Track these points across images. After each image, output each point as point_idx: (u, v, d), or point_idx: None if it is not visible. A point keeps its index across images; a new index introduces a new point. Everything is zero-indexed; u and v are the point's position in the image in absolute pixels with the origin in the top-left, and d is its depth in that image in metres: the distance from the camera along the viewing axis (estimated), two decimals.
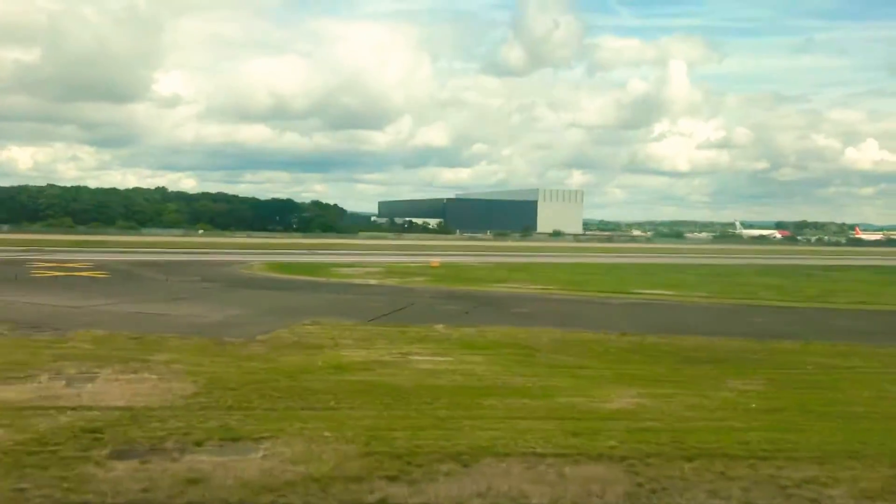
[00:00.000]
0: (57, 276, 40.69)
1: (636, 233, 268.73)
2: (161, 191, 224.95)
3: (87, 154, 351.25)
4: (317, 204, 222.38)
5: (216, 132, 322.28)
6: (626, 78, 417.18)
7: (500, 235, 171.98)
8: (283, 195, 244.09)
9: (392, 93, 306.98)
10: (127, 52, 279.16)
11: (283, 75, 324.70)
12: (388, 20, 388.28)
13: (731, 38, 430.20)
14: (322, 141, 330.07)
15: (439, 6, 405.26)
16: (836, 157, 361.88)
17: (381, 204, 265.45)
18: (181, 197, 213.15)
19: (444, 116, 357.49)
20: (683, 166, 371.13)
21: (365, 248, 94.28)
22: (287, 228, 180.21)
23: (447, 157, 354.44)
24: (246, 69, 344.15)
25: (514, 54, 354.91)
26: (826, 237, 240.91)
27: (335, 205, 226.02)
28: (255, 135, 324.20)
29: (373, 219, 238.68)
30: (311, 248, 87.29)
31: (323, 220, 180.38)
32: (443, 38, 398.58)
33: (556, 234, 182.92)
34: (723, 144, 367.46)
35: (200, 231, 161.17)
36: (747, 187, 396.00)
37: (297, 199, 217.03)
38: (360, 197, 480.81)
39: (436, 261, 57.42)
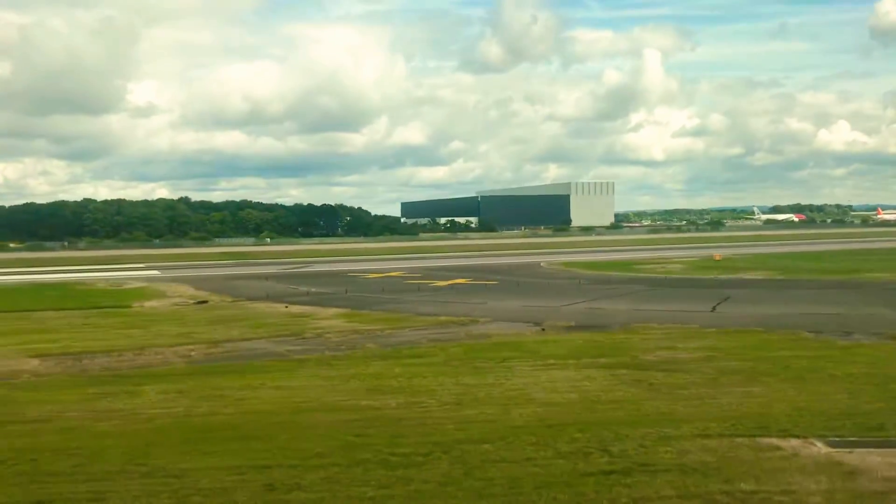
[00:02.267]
0: (461, 284, 41.54)
1: (646, 223, 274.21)
2: (185, 201, 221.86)
3: (58, 168, 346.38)
4: (341, 207, 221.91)
5: (191, 140, 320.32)
6: (601, 69, 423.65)
7: (560, 231, 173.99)
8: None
9: (367, 94, 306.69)
10: (100, 63, 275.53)
11: (258, 80, 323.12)
12: (361, 22, 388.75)
13: (702, 25, 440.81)
14: (298, 145, 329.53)
15: (410, 6, 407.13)
16: (810, 139, 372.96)
17: (403, 204, 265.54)
18: (205, 206, 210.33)
19: (420, 115, 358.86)
20: (659, 155, 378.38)
21: (516, 248, 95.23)
22: (348, 233, 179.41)
23: (424, 157, 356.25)
24: (220, 76, 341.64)
25: (488, 50, 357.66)
26: (852, 220, 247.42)
27: (359, 207, 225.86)
28: (231, 141, 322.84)
29: (403, 220, 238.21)
30: (461, 250, 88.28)
31: (383, 223, 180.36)
32: (416, 38, 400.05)
33: (616, 227, 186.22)
34: (698, 132, 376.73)
35: (267, 239, 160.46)
36: (722, 173, 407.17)
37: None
38: (337, 200, 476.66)
39: (718, 254, 59.87)
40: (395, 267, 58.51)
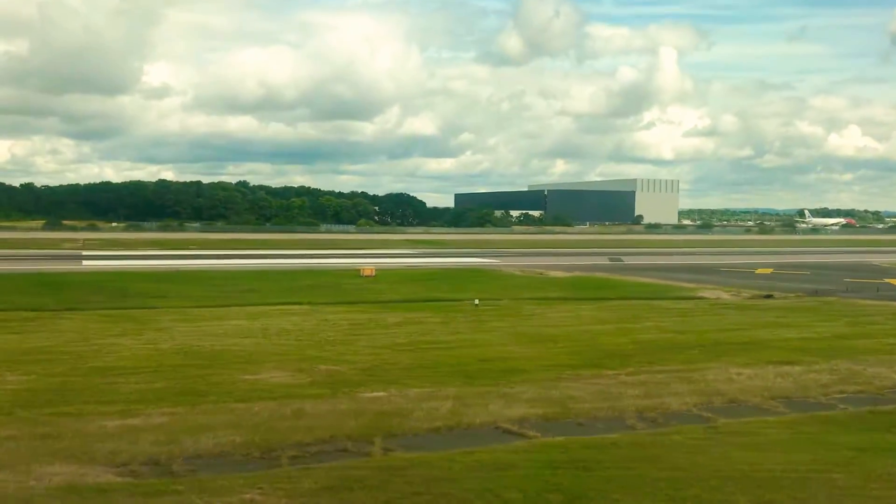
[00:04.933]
0: None
1: (687, 222, 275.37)
2: (243, 184, 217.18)
3: (67, 147, 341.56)
4: (400, 196, 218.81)
5: (201, 123, 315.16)
6: (616, 66, 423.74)
7: (652, 228, 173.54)
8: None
9: (380, 83, 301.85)
10: (117, 43, 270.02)
11: (272, 66, 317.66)
12: (377, 10, 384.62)
13: (718, 25, 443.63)
14: (308, 131, 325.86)
15: None
16: (820, 143, 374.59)
17: (457, 196, 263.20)
18: (269, 191, 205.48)
19: (432, 106, 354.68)
20: (668, 154, 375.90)
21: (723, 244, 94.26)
22: (432, 223, 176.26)
23: (432, 148, 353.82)
24: (234, 60, 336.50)
25: (505, 43, 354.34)
26: None
27: (415, 197, 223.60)
28: (241, 126, 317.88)
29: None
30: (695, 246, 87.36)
31: (477, 215, 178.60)
32: (432, 28, 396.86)
33: (706, 227, 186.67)
34: (709, 132, 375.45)
35: (366, 227, 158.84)
36: (729, 174, 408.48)
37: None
38: (343, 188, 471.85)
39: None
40: (727, 263, 58.06)
